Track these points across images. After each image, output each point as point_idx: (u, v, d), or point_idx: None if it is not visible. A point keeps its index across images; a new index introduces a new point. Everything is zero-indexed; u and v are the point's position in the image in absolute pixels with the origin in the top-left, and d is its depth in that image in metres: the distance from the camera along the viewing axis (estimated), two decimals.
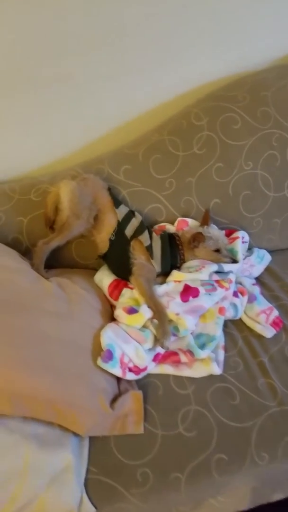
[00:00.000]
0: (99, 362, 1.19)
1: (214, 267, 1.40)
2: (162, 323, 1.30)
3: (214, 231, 1.47)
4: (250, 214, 1.63)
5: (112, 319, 1.40)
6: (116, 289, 1.45)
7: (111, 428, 1.16)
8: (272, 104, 1.61)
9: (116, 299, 1.44)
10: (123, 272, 1.47)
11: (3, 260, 1.35)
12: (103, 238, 1.50)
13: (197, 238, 1.43)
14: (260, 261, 1.59)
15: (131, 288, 1.43)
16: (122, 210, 1.52)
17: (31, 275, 1.36)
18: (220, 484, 1.13)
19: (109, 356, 1.20)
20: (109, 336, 1.24)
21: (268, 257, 1.62)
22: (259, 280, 1.58)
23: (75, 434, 1.14)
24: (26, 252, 1.57)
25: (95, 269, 1.59)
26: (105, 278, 1.49)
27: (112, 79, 1.68)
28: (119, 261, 1.47)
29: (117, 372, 1.21)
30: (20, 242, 1.59)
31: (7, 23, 1.46)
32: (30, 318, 1.18)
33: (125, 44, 1.61)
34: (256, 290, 1.49)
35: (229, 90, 1.67)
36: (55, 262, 1.56)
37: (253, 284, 1.53)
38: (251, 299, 1.45)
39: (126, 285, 1.46)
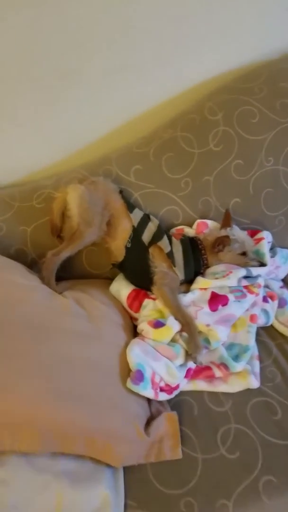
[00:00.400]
0: (130, 384, 1.09)
1: (243, 271, 1.31)
2: (193, 336, 1.20)
3: (239, 233, 1.38)
4: (272, 212, 1.53)
5: (135, 333, 1.30)
6: (136, 300, 1.35)
7: (147, 455, 1.06)
8: None
9: (137, 311, 1.34)
10: (142, 282, 1.36)
11: (12, 276, 1.23)
12: (118, 245, 1.39)
13: (223, 242, 1.33)
14: (285, 261, 1.50)
15: (153, 299, 1.32)
16: (137, 214, 1.42)
17: (44, 291, 1.25)
18: (271, 509, 1.03)
19: (140, 377, 1.10)
20: (137, 354, 1.14)
21: (269, 258, 1.52)
22: (285, 282, 1.49)
23: (108, 466, 1.03)
24: (32, 265, 1.46)
25: (109, 279, 1.49)
26: (122, 288, 1.38)
27: (117, 75, 1.57)
28: (137, 269, 1.37)
29: (149, 394, 1.10)
30: (25, 253, 1.48)
31: (9, 20, 1.34)
32: (52, 342, 1.08)
33: (131, 38, 1.50)
34: (286, 293, 1.41)
35: (244, 82, 1.57)
36: (65, 273, 1.45)
37: (281, 287, 1.44)
38: (282, 303, 1.37)
39: (146, 295, 1.36)
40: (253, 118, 1.51)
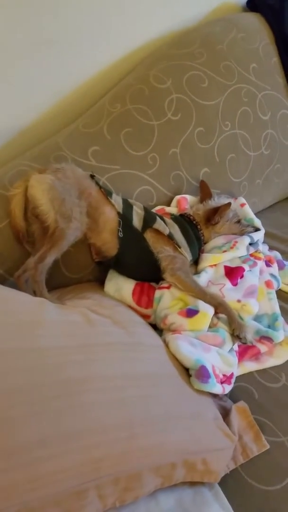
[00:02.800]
0: (198, 384, 0.92)
1: (247, 239, 1.24)
2: (232, 316, 1.08)
3: (228, 201, 1.30)
4: (237, 178, 1.51)
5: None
6: (143, 294, 1.17)
7: (234, 457, 0.92)
8: (231, 57, 1.50)
9: (148, 306, 1.16)
10: (145, 273, 1.19)
11: (10, 295, 0.94)
12: (106, 238, 1.18)
13: (224, 211, 1.23)
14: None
15: (166, 288, 1.16)
16: (117, 200, 1.22)
17: (50, 306, 0.97)
18: None
19: (206, 373, 0.94)
20: (189, 350, 0.97)
21: (258, 221, 1.52)
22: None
23: (204, 485, 0.86)
24: (1, 282, 1.14)
25: (91, 281, 1.27)
26: (123, 286, 1.18)
27: (40, 49, 1.32)
28: (137, 260, 1.18)
29: (219, 389, 0.96)
30: None
31: None
32: (102, 363, 0.84)
33: (55, 8, 1.27)
34: (278, 254, 1.39)
35: (180, 48, 1.49)
36: None
37: (269, 250, 1.42)
38: (280, 265, 1.35)
39: (152, 287, 1.19)
40: (203, 83, 1.44)
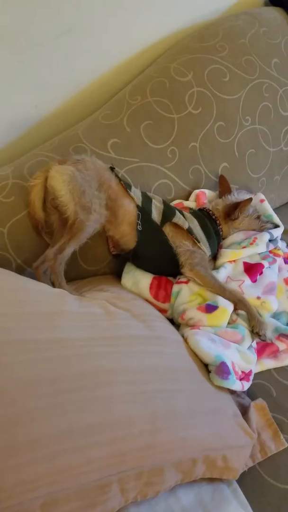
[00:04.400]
0: (218, 380, 0.92)
1: (267, 235, 1.23)
2: (252, 312, 1.07)
3: (248, 197, 1.28)
4: (256, 174, 1.49)
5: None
6: (160, 288, 1.16)
7: (252, 455, 0.91)
8: (253, 52, 1.48)
9: (165, 300, 1.15)
10: (163, 267, 1.18)
11: (31, 285, 0.93)
12: (125, 231, 1.17)
13: (244, 207, 1.22)
14: None
15: (185, 282, 1.15)
16: (137, 193, 1.21)
17: (69, 297, 0.97)
18: None
19: (226, 369, 0.93)
20: (209, 346, 0.96)
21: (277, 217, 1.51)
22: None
23: (223, 482, 0.86)
24: (19, 272, 1.14)
25: (107, 273, 1.26)
26: (140, 279, 1.17)
27: (60, 41, 1.31)
28: (156, 254, 1.17)
29: (238, 386, 0.95)
30: (7, 260, 1.15)
31: None
32: (123, 354, 0.84)
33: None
34: None
35: (202, 41, 1.47)
36: None
37: (287, 247, 1.40)
38: None
39: (169, 282, 1.18)
40: (224, 77, 1.42)
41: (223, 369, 0.92)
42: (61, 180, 1.10)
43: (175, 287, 1.14)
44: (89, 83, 1.46)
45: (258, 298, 1.11)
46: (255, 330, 1.05)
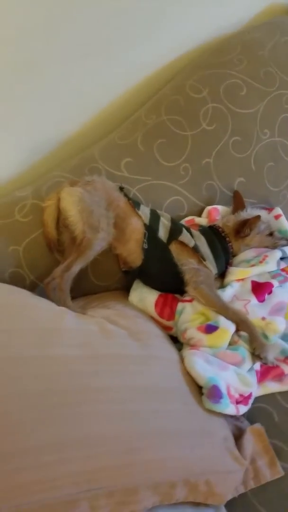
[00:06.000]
0: (209, 404, 0.91)
1: (278, 253, 1.19)
2: (254, 334, 1.05)
3: (261, 213, 1.26)
4: (276, 187, 1.45)
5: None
6: (166, 306, 1.17)
7: (245, 482, 0.89)
8: (272, 63, 1.45)
9: (170, 318, 1.15)
10: (169, 284, 1.19)
11: (31, 300, 0.99)
12: (131, 249, 1.19)
13: (254, 223, 1.20)
14: None
15: (189, 301, 1.15)
16: (145, 211, 1.23)
17: (70, 315, 1.01)
18: None
19: (218, 393, 0.92)
20: (203, 367, 0.96)
21: None
22: None
23: (208, 507, 0.84)
24: (32, 289, 1.21)
25: (119, 289, 1.29)
26: (146, 296, 1.19)
27: (79, 63, 1.36)
28: (161, 272, 1.18)
29: (232, 410, 0.93)
30: (21, 277, 1.22)
31: None
32: (113, 374, 0.86)
33: (90, 21, 1.31)
34: None
35: (220, 56, 1.46)
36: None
37: None
38: None
39: (176, 299, 1.18)
40: (241, 90, 1.41)
41: (214, 393, 0.91)
42: (71, 201, 1.16)
43: (179, 305, 1.14)
44: (108, 103, 1.51)
45: (263, 318, 1.08)
46: (256, 353, 1.03)
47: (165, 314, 1.16)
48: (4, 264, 1.20)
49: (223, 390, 0.93)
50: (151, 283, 1.21)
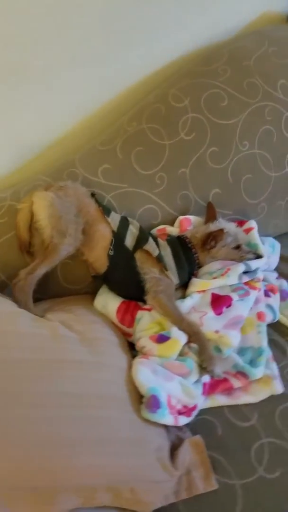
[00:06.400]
0: (145, 413, 0.93)
1: (242, 267, 1.19)
2: (204, 347, 1.06)
3: (229, 225, 1.26)
4: (253, 200, 1.44)
5: (131, 351, 1.14)
6: (127, 313, 1.19)
7: (177, 492, 0.91)
8: (257, 74, 1.44)
9: (130, 325, 1.18)
10: (132, 292, 1.21)
11: None
12: (98, 255, 1.22)
13: (217, 236, 1.20)
14: (272, 250, 1.41)
15: (148, 309, 1.17)
16: (115, 218, 1.25)
17: (25, 318, 1.05)
18: None
19: (156, 403, 0.94)
20: (147, 377, 0.98)
21: (278, 245, 1.44)
22: (278, 271, 1.40)
23: None
24: (2, 288, 1.25)
25: (89, 293, 1.31)
26: (109, 302, 1.21)
27: (65, 69, 1.39)
28: (125, 279, 1.21)
29: (169, 421, 0.95)
30: None
31: None
32: (51, 379, 0.89)
33: (77, 29, 1.33)
34: (284, 284, 1.31)
35: (206, 64, 1.47)
36: (39, 293, 1.25)
37: (277, 278, 1.34)
38: (284, 295, 1.27)
39: (138, 307, 1.20)
40: (222, 101, 1.41)
41: (152, 403, 0.93)
42: (42, 205, 1.20)
43: (139, 314, 1.17)
44: (96, 108, 1.54)
45: (217, 332, 1.09)
46: (204, 365, 1.04)
47: (126, 321, 1.18)
48: None
49: (163, 400, 0.95)
50: (115, 290, 1.23)
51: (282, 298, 1.26)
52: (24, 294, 1.14)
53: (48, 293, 1.30)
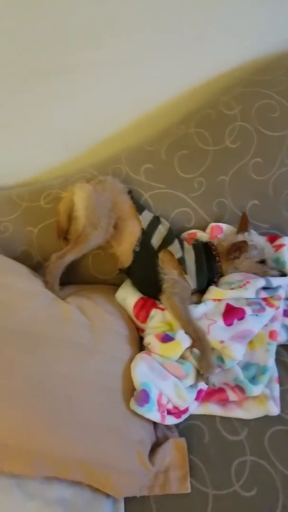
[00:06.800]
0: (133, 405, 0.97)
1: (261, 282, 1.18)
2: (205, 354, 1.07)
3: (257, 238, 1.25)
4: None
5: (141, 346, 1.18)
6: (143, 309, 1.23)
7: (151, 486, 0.94)
8: None
9: (144, 321, 1.22)
10: (150, 290, 1.25)
11: (14, 281, 1.14)
12: (125, 249, 1.28)
13: (240, 248, 1.20)
14: None
15: (162, 309, 1.21)
16: (146, 217, 1.30)
17: (46, 297, 1.15)
18: None
19: (145, 398, 0.98)
20: (142, 372, 1.02)
21: None
22: None
23: (108, 495, 0.92)
24: (37, 267, 1.37)
25: (116, 285, 1.38)
26: (129, 296, 1.27)
27: (126, 69, 1.46)
28: (145, 276, 1.25)
29: (155, 417, 0.98)
30: (30, 255, 1.39)
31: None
32: (49, 354, 0.97)
33: (140, 30, 1.38)
34: None
35: (263, 74, 1.44)
36: (70, 278, 1.36)
37: None
38: None
39: (154, 305, 1.24)
40: (273, 112, 1.38)
41: (141, 396, 0.97)
42: (80, 196, 1.28)
43: (153, 311, 1.21)
44: (148, 109, 1.58)
45: (222, 342, 1.09)
46: (201, 372, 1.05)
47: (141, 316, 1.23)
48: (18, 242, 1.39)
49: (152, 396, 0.99)
50: (136, 285, 1.29)
51: None
52: (52, 276, 1.24)
53: (77, 279, 1.40)
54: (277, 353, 1.18)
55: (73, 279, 1.38)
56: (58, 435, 0.87)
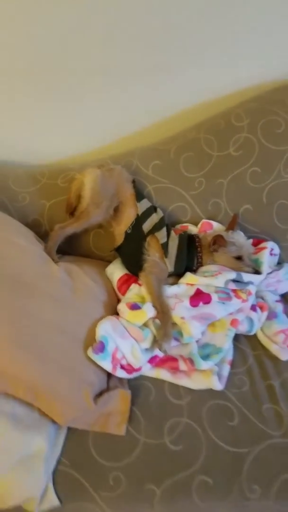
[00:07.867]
0: (89, 352, 1.11)
1: (232, 275, 1.28)
2: (165, 325, 1.20)
3: (238, 237, 1.36)
4: (284, 225, 1.49)
5: (116, 313, 1.33)
6: (125, 283, 1.38)
7: (93, 423, 1.08)
8: None
9: (124, 293, 1.36)
10: (134, 267, 1.39)
11: (17, 239, 1.32)
12: (120, 230, 1.44)
13: (218, 241, 1.32)
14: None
15: (140, 285, 1.34)
16: (143, 205, 1.45)
17: (41, 258, 1.31)
18: (200, 510, 0.99)
19: (101, 348, 1.12)
20: (105, 328, 1.16)
21: (266, 267, 1.44)
22: (285, 298, 1.43)
23: (54, 421, 1.07)
24: (44, 236, 1.54)
25: (110, 262, 1.53)
26: (116, 271, 1.42)
27: (150, 75, 1.62)
28: (132, 255, 1.40)
29: (107, 366, 1.12)
30: (40, 224, 1.58)
31: (40, 14, 1.46)
32: (29, 298, 1.13)
33: (169, 39, 1.55)
34: (279, 307, 1.35)
35: (277, 94, 1.56)
36: (72, 250, 1.53)
37: (277, 301, 1.39)
38: (271, 316, 1.32)
39: (135, 281, 1.38)
40: (278, 128, 1.49)
41: (98, 346, 1.12)
42: (89, 179, 1.47)
43: (132, 285, 1.35)
44: (166, 116, 1.74)
45: (182, 318, 1.21)
46: (158, 338, 1.18)
47: (122, 289, 1.37)
48: (31, 211, 1.58)
49: (108, 349, 1.13)
50: (124, 263, 1.44)
51: (269, 318, 1.31)
52: (51, 242, 1.41)
53: (77, 251, 1.56)
54: (239, 341, 1.28)
55: (74, 251, 1.55)
56: (19, 358, 1.03)
